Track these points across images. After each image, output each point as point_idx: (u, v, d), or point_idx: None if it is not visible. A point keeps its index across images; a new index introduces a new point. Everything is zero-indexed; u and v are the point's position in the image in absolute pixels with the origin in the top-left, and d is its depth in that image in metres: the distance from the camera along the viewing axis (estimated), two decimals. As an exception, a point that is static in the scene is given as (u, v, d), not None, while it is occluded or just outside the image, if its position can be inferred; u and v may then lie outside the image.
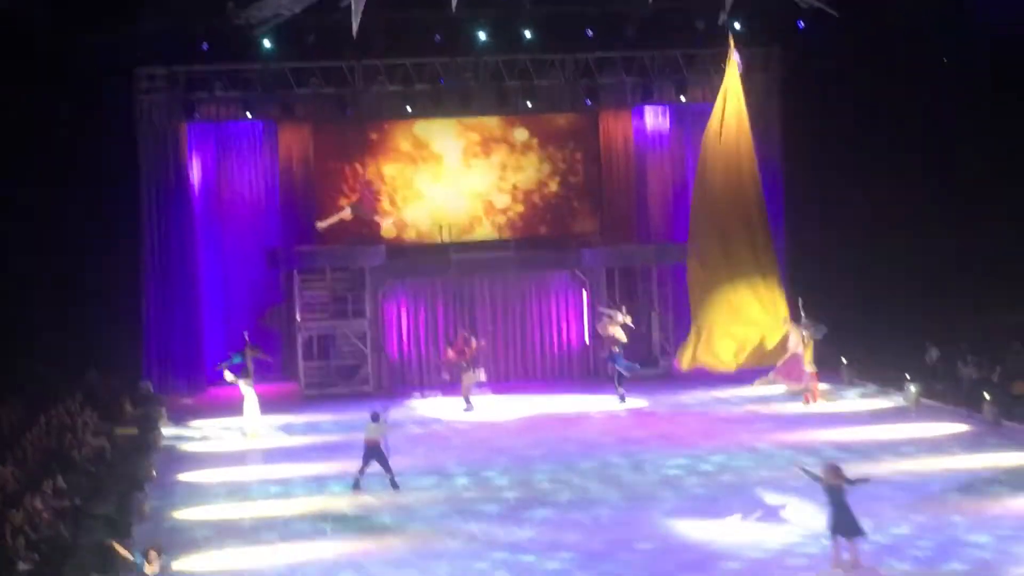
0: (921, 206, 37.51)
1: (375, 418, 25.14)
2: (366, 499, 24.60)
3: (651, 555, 20.29)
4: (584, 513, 22.97)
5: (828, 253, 37.70)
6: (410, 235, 38.91)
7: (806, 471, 20.35)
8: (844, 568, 18.95)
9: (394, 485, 24.93)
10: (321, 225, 36.58)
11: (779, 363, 28.13)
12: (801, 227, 38.49)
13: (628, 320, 34.14)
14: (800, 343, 29.11)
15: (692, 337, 27.84)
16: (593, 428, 31.04)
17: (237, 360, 31.13)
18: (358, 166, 38.63)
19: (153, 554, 17.65)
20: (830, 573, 18.88)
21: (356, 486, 24.97)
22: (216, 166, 39.20)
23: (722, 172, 27.12)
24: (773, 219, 30.80)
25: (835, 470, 19.53)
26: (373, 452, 24.97)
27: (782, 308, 27.62)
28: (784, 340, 28.09)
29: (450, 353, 34.14)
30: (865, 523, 20.19)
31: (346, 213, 36.14)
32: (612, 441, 29.15)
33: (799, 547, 20.47)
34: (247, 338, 32.01)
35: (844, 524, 19.06)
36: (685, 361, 27.31)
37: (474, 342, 34.07)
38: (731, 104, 26.94)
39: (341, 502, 24.55)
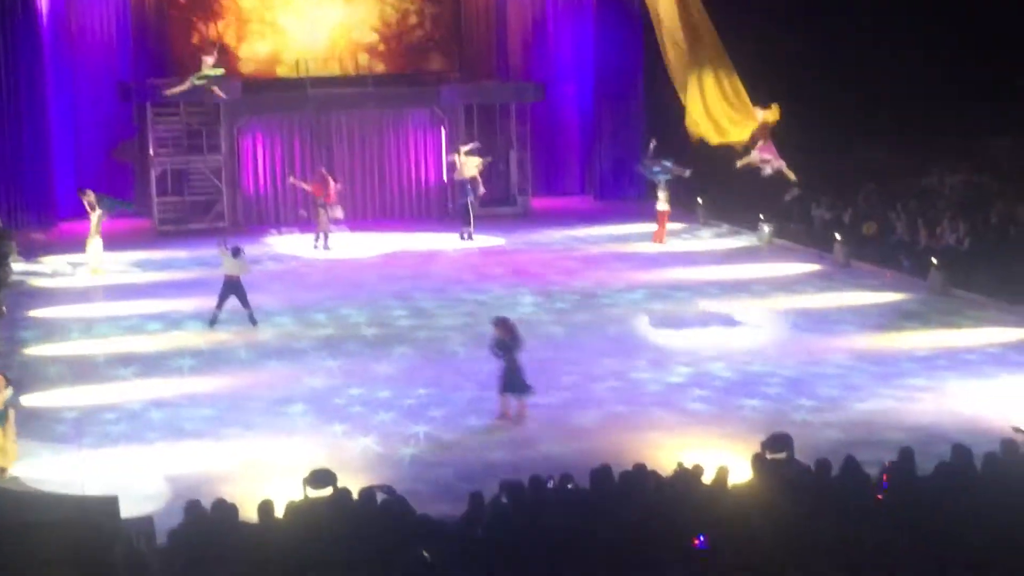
0: (780, 47, 37.61)
1: (235, 253, 24.88)
2: (223, 335, 24.47)
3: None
4: (439, 351, 23.09)
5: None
6: (267, 69, 38.20)
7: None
8: (515, 421, 19.16)
9: (252, 321, 24.82)
10: (169, 92, 35.17)
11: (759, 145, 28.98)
12: (659, 64, 38.46)
13: (477, 160, 34.07)
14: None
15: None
16: (450, 266, 31.07)
17: (106, 204, 30.65)
18: (213, -3, 37.71)
19: (1, 380, 17.23)
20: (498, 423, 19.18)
21: (213, 322, 24.81)
22: (65, -5, 38.04)
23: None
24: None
25: (504, 324, 19.45)
26: (232, 287, 24.79)
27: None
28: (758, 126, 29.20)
29: (305, 185, 33.73)
30: (717, 363, 20.66)
31: (188, 85, 34.62)
32: (470, 279, 29.24)
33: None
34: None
35: (513, 383, 19.12)
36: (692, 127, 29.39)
37: (331, 182, 33.76)
38: None
39: (197, 338, 24.39)
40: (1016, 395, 19.79)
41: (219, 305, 24.81)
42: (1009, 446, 13.89)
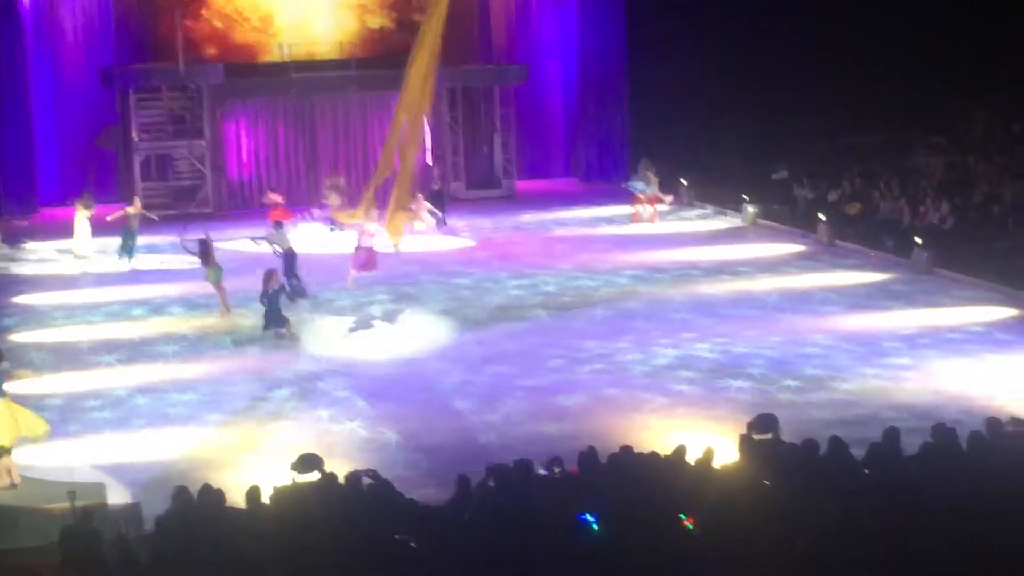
0: (766, 33, 37.67)
1: (202, 248, 24.87)
2: (207, 321, 24.44)
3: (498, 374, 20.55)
4: (424, 335, 23.14)
5: (672, 76, 37.78)
6: (251, 53, 38.09)
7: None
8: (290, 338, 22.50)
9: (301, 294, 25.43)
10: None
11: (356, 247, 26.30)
12: (643, 47, 38.51)
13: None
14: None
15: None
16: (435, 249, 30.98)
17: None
18: (195, -19, 37.56)
19: None
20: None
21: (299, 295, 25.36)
22: (47, -20, 37.83)
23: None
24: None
25: (269, 275, 22.68)
26: (290, 258, 25.53)
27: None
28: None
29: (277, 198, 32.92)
30: (703, 345, 20.75)
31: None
32: (455, 263, 29.18)
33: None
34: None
35: (273, 317, 22.53)
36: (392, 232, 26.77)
37: (342, 181, 33.73)
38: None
39: (181, 324, 24.36)
40: (999, 374, 19.86)
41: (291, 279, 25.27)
42: (993, 424, 13.94)
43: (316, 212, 33.40)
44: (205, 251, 24.77)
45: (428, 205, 31.07)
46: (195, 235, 25.40)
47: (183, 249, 25.67)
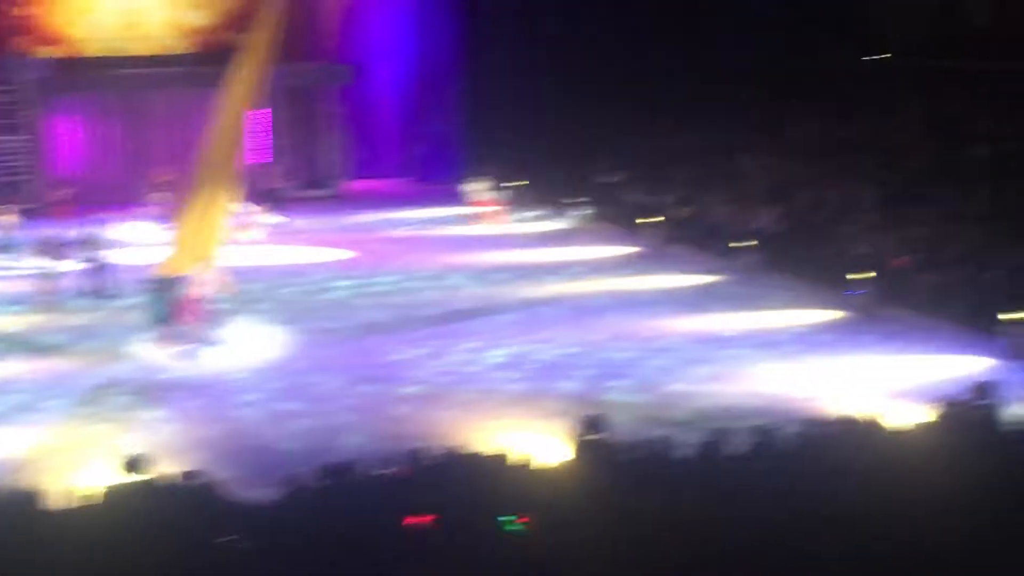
0: (598, 36, 38.01)
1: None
2: (35, 318, 23.96)
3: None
4: (252, 336, 22.93)
5: (505, 78, 37.95)
6: (81, 47, 37.35)
7: None
8: None
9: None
10: None
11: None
12: (476, 49, 38.61)
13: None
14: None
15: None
16: (260, 250, 30.62)
17: None
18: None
19: None
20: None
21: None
22: None
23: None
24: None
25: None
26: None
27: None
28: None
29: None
30: (534, 346, 20.86)
31: None
32: (280, 262, 28.98)
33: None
34: None
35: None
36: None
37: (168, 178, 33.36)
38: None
39: (4, 321, 23.85)
40: (821, 375, 20.27)
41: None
42: (814, 425, 14.23)
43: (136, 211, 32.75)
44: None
45: (259, 210, 30.51)
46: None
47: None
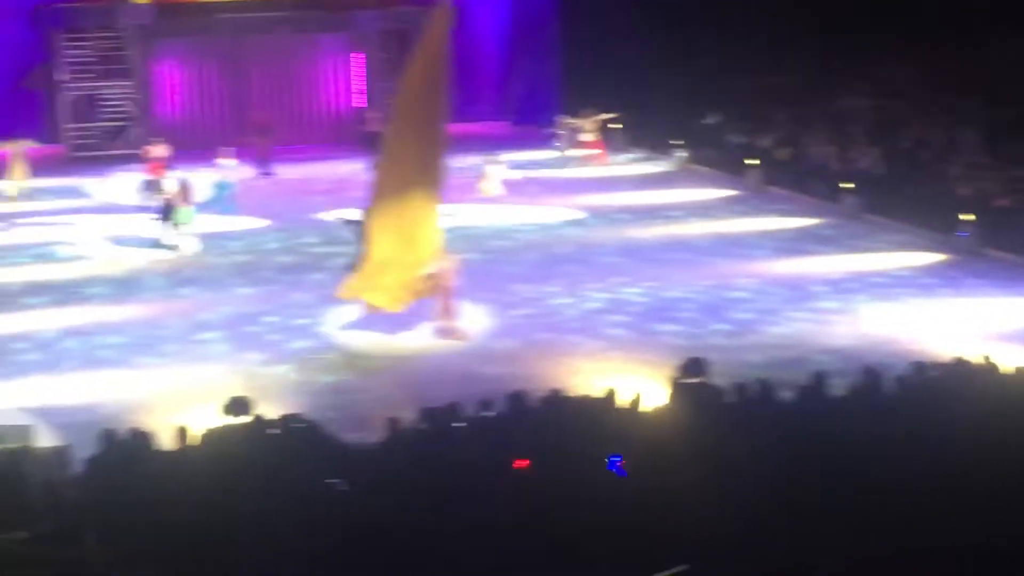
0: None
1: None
2: (138, 263, 24.28)
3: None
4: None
5: (604, 19, 37.70)
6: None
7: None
8: None
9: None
10: None
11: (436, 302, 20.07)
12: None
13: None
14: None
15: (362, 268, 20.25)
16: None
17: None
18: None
19: None
20: None
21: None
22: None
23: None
24: None
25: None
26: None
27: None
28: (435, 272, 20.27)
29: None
30: (634, 289, 20.78)
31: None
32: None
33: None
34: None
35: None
36: (347, 291, 20.25)
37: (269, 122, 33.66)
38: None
39: (110, 266, 24.19)
40: (925, 318, 20.07)
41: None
42: (919, 368, 14.11)
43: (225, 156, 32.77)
44: (184, 193, 25.00)
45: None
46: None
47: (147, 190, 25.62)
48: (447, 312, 19.61)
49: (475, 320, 20.21)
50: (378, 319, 19.88)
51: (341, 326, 20.14)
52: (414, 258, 19.45)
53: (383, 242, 19.35)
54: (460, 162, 31.88)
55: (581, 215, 27.70)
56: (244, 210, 28.14)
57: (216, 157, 32.38)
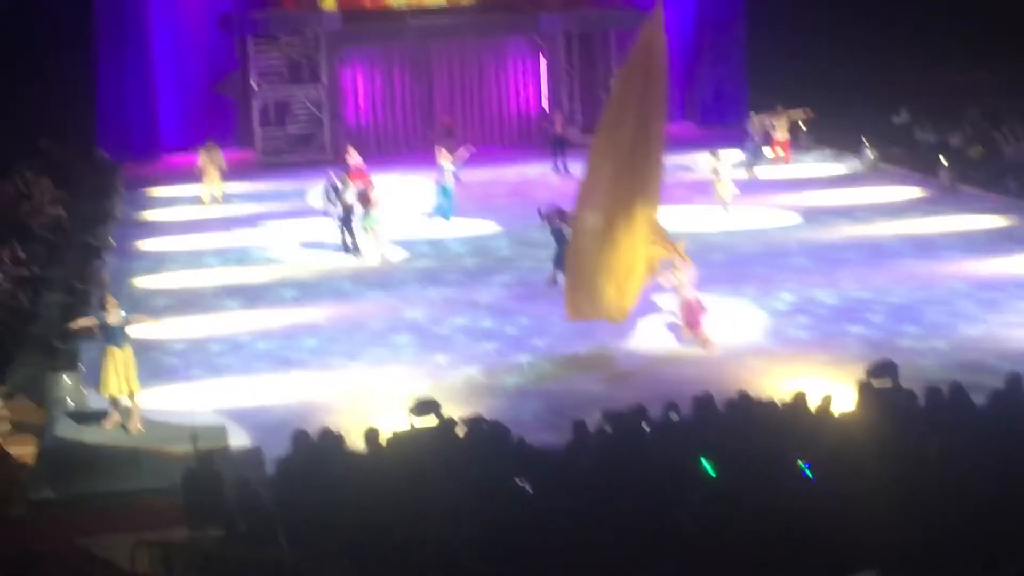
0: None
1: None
2: (327, 266, 24.67)
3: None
4: (542, 280, 23.00)
5: (789, 18, 37.33)
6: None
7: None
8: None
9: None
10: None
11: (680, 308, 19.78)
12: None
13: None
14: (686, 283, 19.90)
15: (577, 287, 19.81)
16: (550, 195, 30.82)
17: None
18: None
19: (111, 301, 17.26)
20: None
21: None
22: (167, -71, 38.13)
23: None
24: None
25: (558, 213, 21.69)
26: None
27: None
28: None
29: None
30: (822, 291, 20.47)
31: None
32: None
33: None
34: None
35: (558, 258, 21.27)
36: (573, 312, 19.58)
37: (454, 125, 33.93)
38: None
39: (301, 269, 24.62)
40: None
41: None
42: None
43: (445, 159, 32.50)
44: (363, 198, 25.23)
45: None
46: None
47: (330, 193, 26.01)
48: (690, 321, 19.35)
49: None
50: (558, 325, 19.92)
51: (532, 330, 20.23)
52: (629, 265, 19.03)
53: (598, 251, 18.88)
54: (678, 162, 31.88)
55: (796, 219, 27.26)
56: (466, 213, 28.44)
57: (435, 160, 32.28)
